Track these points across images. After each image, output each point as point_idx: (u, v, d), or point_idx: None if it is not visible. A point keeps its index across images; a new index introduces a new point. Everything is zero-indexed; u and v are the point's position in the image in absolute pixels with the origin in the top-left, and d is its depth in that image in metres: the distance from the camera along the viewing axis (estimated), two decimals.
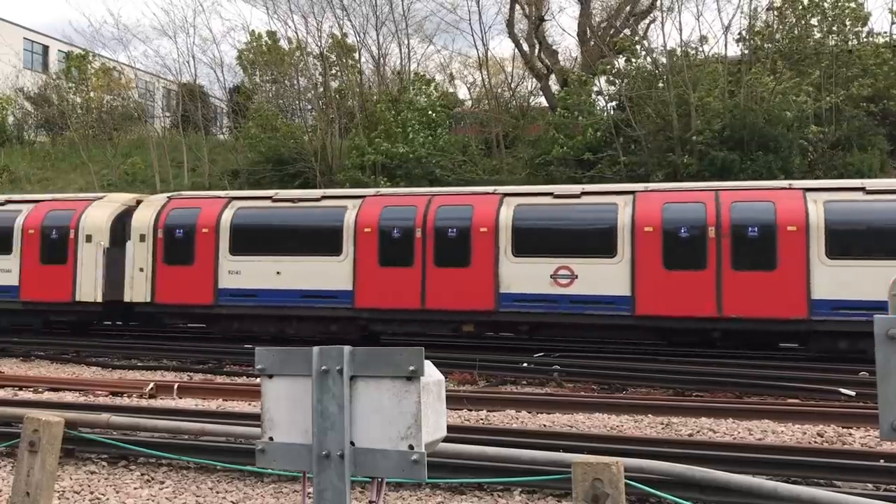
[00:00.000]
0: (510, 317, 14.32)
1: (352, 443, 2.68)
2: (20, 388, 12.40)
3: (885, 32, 25.31)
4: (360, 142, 25.98)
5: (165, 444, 7.71)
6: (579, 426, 9.52)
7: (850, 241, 13.04)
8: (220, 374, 14.30)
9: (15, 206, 17.73)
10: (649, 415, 9.97)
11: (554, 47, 31.17)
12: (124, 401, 11.43)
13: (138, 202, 17.48)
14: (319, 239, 15.34)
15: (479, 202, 14.80)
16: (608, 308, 13.72)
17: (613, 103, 25.92)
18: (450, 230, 14.58)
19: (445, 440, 2.93)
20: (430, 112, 26.39)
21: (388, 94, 28.77)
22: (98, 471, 7.47)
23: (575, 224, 14.38)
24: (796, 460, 6.93)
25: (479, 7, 46.78)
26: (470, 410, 10.32)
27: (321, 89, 30.91)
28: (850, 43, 24.04)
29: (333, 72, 31.41)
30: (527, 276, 14.07)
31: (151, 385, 12.00)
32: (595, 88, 26.39)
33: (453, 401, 10.14)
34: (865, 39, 24.48)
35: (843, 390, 11.10)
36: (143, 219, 16.43)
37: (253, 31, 35.00)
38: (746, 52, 24.57)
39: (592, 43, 28.28)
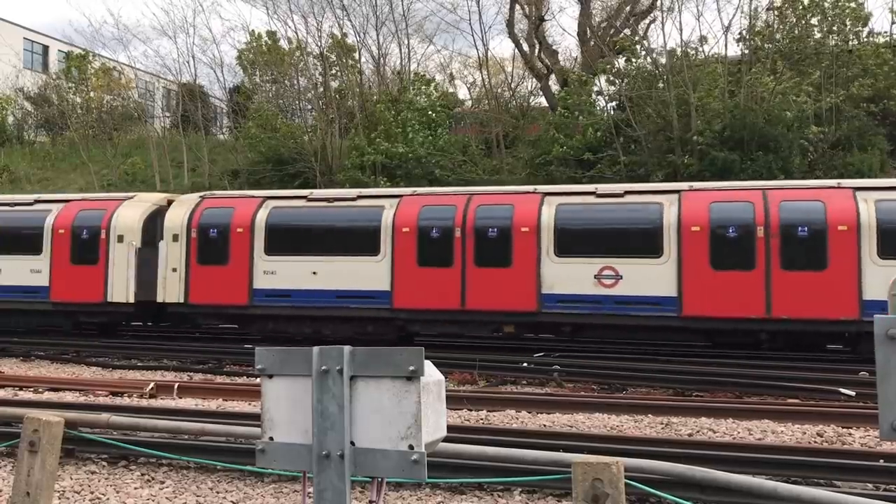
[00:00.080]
0: (553, 318, 14.12)
1: (352, 443, 2.68)
2: (20, 388, 12.40)
3: (886, 32, 25.35)
4: (359, 142, 25.99)
5: (165, 444, 7.71)
6: (579, 426, 9.52)
7: None
8: (220, 374, 14.30)
9: (44, 206, 17.49)
10: (649, 415, 9.97)
11: (554, 47, 31.20)
12: (124, 401, 11.43)
13: (169, 202, 17.28)
14: (356, 239, 15.18)
15: (520, 201, 14.62)
16: (654, 309, 13.52)
17: (613, 103, 25.93)
18: (490, 230, 14.40)
19: (445, 440, 2.93)
20: (430, 112, 26.38)
21: (388, 94, 28.77)
22: (98, 471, 7.47)
23: (619, 223, 14.17)
24: (796, 460, 6.93)
25: (479, 7, 46.84)
26: (470, 410, 10.32)
27: (321, 89, 30.91)
28: (850, 43, 24.04)
29: (333, 72, 31.41)
30: (570, 277, 13.87)
31: (151, 385, 12.00)
32: (595, 88, 26.39)
33: (453, 401, 10.14)
34: (866, 39, 24.48)
35: (843, 390, 11.10)
36: (176, 218, 16.24)
37: (253, 31, 35.07)
38: (746, 52, 24.57)
39: (592, 43, 28.28)
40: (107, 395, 11.87)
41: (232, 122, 34.50)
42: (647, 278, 13.57)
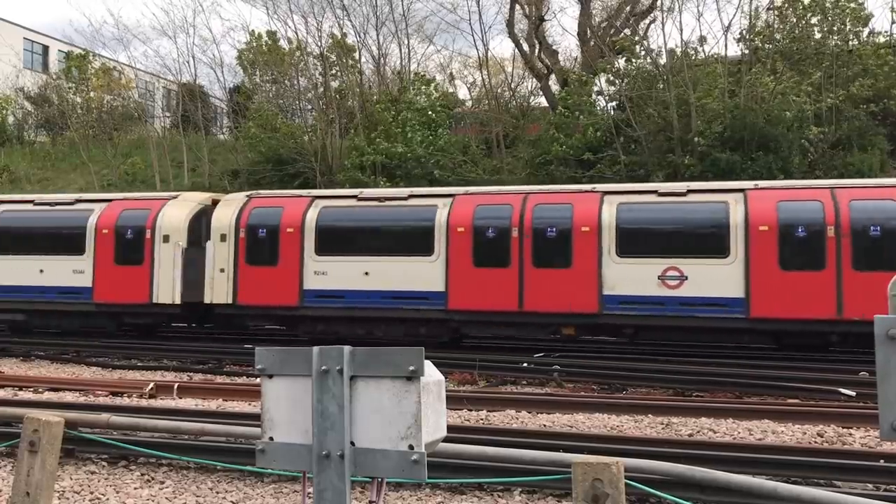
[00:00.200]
0: (614, 319, 13.87)
1: (352, 443, 2.68)
2: (20, 388, 12.41)
3: (886, 32, 25.35)
4: (359, 142, 25.99)
5: (165, 444, 7.71)
6: (579, 426, 9.52)
7: None
8: (220, 374, 14.31)
9: (86, 206, 17.20)
10: (649, 415, 9.97)
11: (554, 47, 31.18)
12: (124, 401, 11.43)
13: (214, 201, 17.06)
14: (409, 239, 14.95)
15: (579, 200, 14.38)
16: (720, 310, 13.25)
17: (613, 103, 25.92)
18: (549, 230, 14.14)
19: (445, 440, 2.93)
20: (429, 112, 26.38)
21: (388, 93, 28.77)
22: (98, 471, 7.48)
23: (683, 223, 13.94)
24: (796, 460, 6.93)
25: (479, 7, 46.78)
26: (470, 410, 10.32)
27: (321, 89, 30.90)
28: (850, 43, 24.03)
29: (333, 72, 31.40)
30: (632, 278, 13.62)
31: (151, 385, 12.00)
32: (595, 88, 26.39)
33: (453, 401, 10.14)
34: (866, 39, 24.48)
35: (843, 390, 11.10)
36: (224, 218, 15.99)
37: (253, 31, 35.04)
38: (746, 52, 24.56)
39: (592, 43, 28.28)
40: (107, 395, 11.87)
41: (232, 122, 34.50)
42: (714, 279, 13.30)
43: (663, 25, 38.20)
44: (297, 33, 31.39)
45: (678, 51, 24.37)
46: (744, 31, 24.96)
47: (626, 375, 12.78)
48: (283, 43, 31.95)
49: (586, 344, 15.59)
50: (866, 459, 7.11)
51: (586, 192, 14.77)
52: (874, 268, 12.67)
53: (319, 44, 30.56)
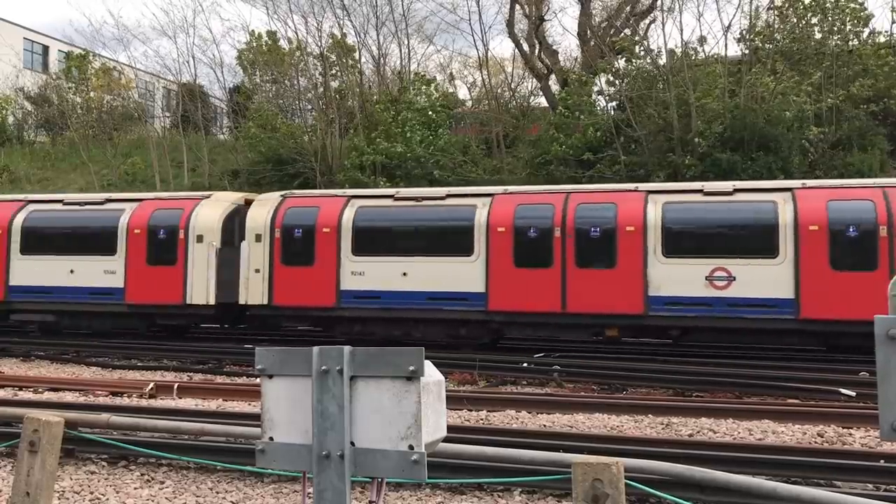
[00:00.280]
0: (660, 321, 13.70)
1: (352, 443, 2.68)
2: (20, 388, 12.41)
3: (886, 32, 25.35)
4: (359, 142, 25.99)
5: (165, 444, 7.71)
6: (579, 426, 9.52)
7: None
8: (220, 374, 14.31)
9: (117, 205, 17.00)
10: (649, 415, 9.97)
11: (554, 47, 31.18)
12: (124, 401, 11.43)
13: (247, 201, 16.89)
14: (448, 239, 14.76)
15: (623, 199, 14.20)
16: (769, 311, 13.06)
17: (614, 103, 25.92)
18: (592, 229, 13.95)
19: (445, 440, 2.93)
20: (429, 112, 26.38)
21: (388, 94, 28.77)
22: (98, 471, 7.48)
23: (731, 223, 13.76)
24: (796, 460, 6.93)
25: (479, 7, 46.74)
26: (470, 410, 10.32)
27: (321, 89, 30.90)
28: (850, 43, 24.03)
29: (333, 72, 31.40)
30: (679, 278, 13.43)
31: (151, 385, 12.00)
32: (595, 88, 26.39)
33: (453, 401, 10.14)
34: (866, 39, 24.48)
35: (843, 390, 11.10)
36: (259, 218, 15.81)
37: (253, 31, 35.06)
38: (746, 52, 24.57)
39: (592, 43, 28.28)
40: (107, 395, 11.88)
41: (232, 122, 34.50)
42: (762, 280, 13.12)
43: (663, 25, 38.22)
44: (297, 33, 31.43)
45: (678, 51, 24.37)
46: (744, 32, 24.98)
47: (626, 375, 12.78)
48: (283, 43, 31.97)
49: (586, 344, 15.57)
50: (866, 459, 7.11)
51: (629, 191, 14.56)
52: None
53: (319, 44, 30.59)
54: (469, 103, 33.84)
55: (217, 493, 6.81)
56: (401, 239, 15.14)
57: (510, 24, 29.25)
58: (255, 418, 8.10)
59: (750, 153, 20.69)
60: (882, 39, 24.77)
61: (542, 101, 30.76)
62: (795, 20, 24.44)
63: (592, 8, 29.50)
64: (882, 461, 6.99)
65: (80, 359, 15.76)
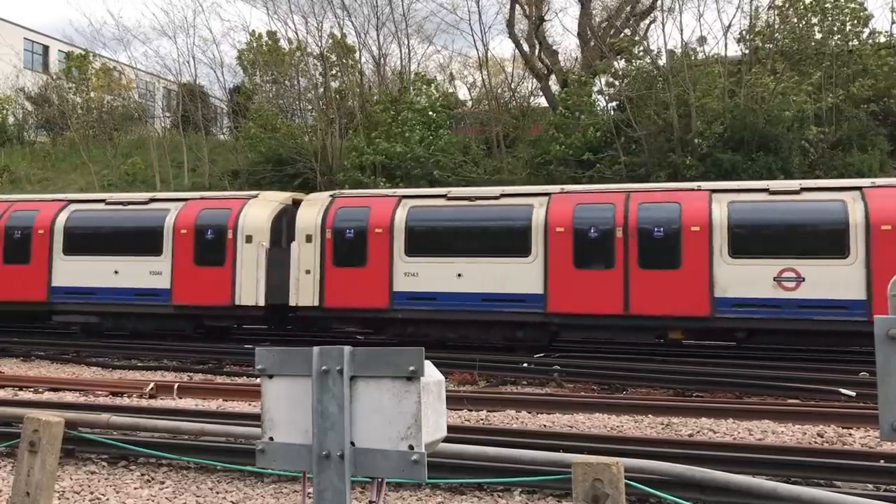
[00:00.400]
0: (727, 323, 13.37)
1: (352, 443, 2.68)
2: (20, 388, 12.41)
3: (886, 32, 25.35)
4: (358, 142, 26.00)
5: (165, 444, 7.72)
6: (579, 426, 9.52)
7: None
8: (220, 374, 14.31)
9: (162, 205, 16.79)
10: (649, 415, 9.97)
11: (554, 47, 31.18)
12: (124, 401, 11.44)
13: (294, 201, 16.73)
14: (505, 239, 14.50)
15: (687, 199, 13.87)
16: (840, 313, 12.74)
17: (614, 103, 25.93)
18: (656, 229, 13.65)
19: (445, 440, 2.93)
20: (430, 112, 26.38)
21: (388, 94, 28.77)
22: (98, 471, 7.48)
23: (800, 223, 13.43)
24: (796, 460, 6.93)
25: (478, 7, 46.77)
26: (470, 410, 10.33)
27: (321, 90, 30.90)
28: (850, 43, 24.03)
29: (334, 72, 31.41)
30: (746, 279, 13.13)
31: (151, 385, 12.00)
32: (595, 88, 26.39)
33: (453, 401, 10.14)
34: (866, 39, 24.48)
35: (843, 390, 11.11)
36: (309, 218, 15.54)
37: (253, 31, 35.05)
38: (746, 52, 24.57)
39: (593, 43, 28.28)
40: (107, 396, 11.88)
41: (232, 122, 34.50)
42: (833, 281, 12.85)
43: (663, 26, 38.20)
44: (297, 33, 31.43)
45: (678, 51, 24.37)
46: (744, 32, 24.98)
47: (626, 375, 12.78)
48: (283, 43, 31.98)
49: (586, 344, 15.58)
50: (866, 459, 7.11)
51: (692, 190, 14.29)
52: None
53: (319, 44, 30.59)
54: (469, 103, 33.84)
55: (217, 493, 6.81)
56: (455, 239, 14.87)
57: (510, 24, 29.25)
58: (255, 418, 8.10)
59: (750, 153, 20.69)
60: (882, 39, 24.77)
61: (543, 102, 30.76)
62: (796, 20, 24.45)
63: (592, 8, 29.51)
64: (882, 461, 6.99)
65: (80, 359, 15.76)
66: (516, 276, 14.20)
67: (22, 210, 17.46)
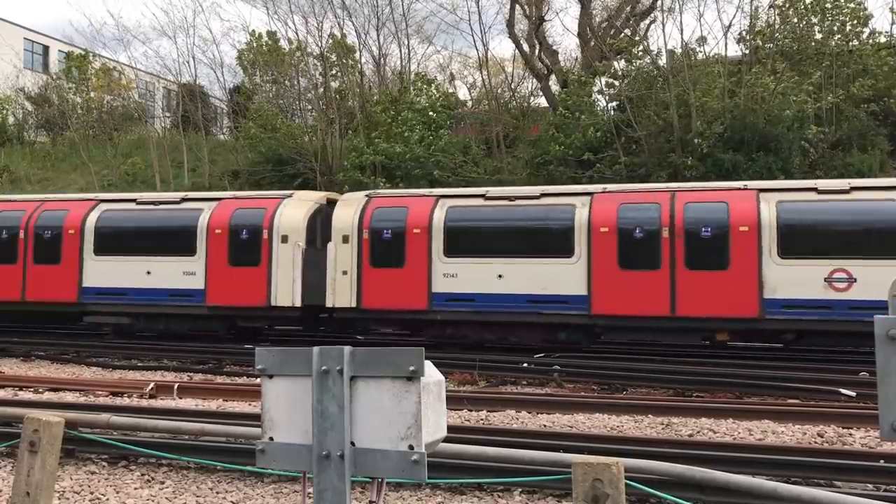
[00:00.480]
0: (776, 324, 13.15)
1: (352, 443, 2.68)
2: (20, 388, 12.41)
3: (886, 32, 25.35)
4: (358, 143, 26.00)
5: (166, 444, 7.72)
6: (579, 426, 9.52)
7: None
8: (220, 374, 14.31)
9: (195, 205, 16.57)
10: (649, 415, 9.97)
11: (554, 47, 31.18)
12: (124, 401, 11.44)
13: (329, 200, 16.55)
14: (546, 239, 14.25)
15: (734, 198, 13.68)
16: None
17: (614, 103, 25.93)
18: (703, 229, 13.45)
19: (445, 440, 2.93)
20: (430, 112, 26.38)
21: (388, 94, 28.78)
22: (98, 471, 7.48)
23: (851, 223, 13.22)
24: (796, 460, 6.93)
25: (478, 7, 46.76)
26: (470, 411, 10.33)
27: (321, 90, 30.91)
28: (850, 43, 24.04)
29: (334, 72, 31.42)
30: (796, 280, 12.90)
31: (151, 385, 12.00)
32: (595, 88, 26.39)
33: (453, 401, 10.14)
34: (866, 40, 24.49)
35: (843, 390, 11.10)
36: (346, 219, 15.36)
37: (253, 31, 35.06)
38: (746, 52, 24.57)
39: (593, 43, 28.28)
40: (107, 396, 11.88)
41: (232, 122, 34.51)
42: (885, 282, 12.71)
43: (663, 26, 38.21)
44: (297, 33, 31.44)
45: (678, 51, 24.37)
46: (744, 32, 24.98)
47: (626, 375, 12.78)
48: (283, 43, 31.98)
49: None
50: (866, 459, 7.11)
51: (739, 189, 14.09)
52: None
53: (320, 44, 30.60)
54: (469, 104, 33.85)
55: (217, 493, 6.81)
56: (495, 240, 14.66)
57: (510, 24, 29.25)
58: (255, 418, 8.10)
59: (750, 153, 20.70)
60: (882, 39, 24.78)
61: (543, 102, 30.77)
62: (796, 20, 24.45)
63: (593, 8, 29.51)
64: (882, 461, 6.99)
65: (81, 359, 15.76)
66: (559, 276, 14.00)
67: (52, 210, 17.29)
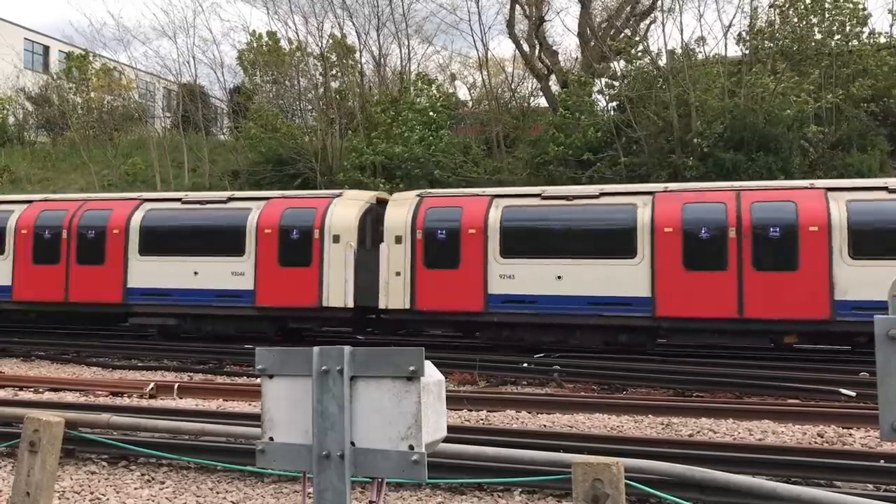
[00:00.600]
0: (847, 326, 12.77)
1: (352, 443, 2.68)
2: (21, 389, 12.41)
3: (886, 32, 25.36)
4: (358, 143, 26.00)
5: (166, 444, 7.71)
6: (579, 426, 9.52)
7: None
8: (220, 374, 14.31)
9: (242, 204, 16.32)
10: (649, 415, 9.97)
11: (554, 48, 31.19)
12: (125, 401, 11.43)
13: (378, 200, 16.38)
14: (607, 240, 14.02)
15: (802, 198, 13.34)
16: None
17: (614, 104, 25.94)
18: (772, 229, 13.14)
19: (445, 440, 2.93)
20: (430, 112, 26.39)
21: (388, 94, 28.78)
22: (98, 471, 7.48)
23: None
24: (796, 460, 6.93)
25: (478, 7, 46.85)
26: (470, 411, 10.33)
27: (322, 90, 30.92)
28: (850, 43, 24.04)
29: (334, 72, 31.42)
30: (868, 281, 12.47)
31: (152, 385, 12.00)
32: (595, 88, 26.41)
33: (453, 401, 10.14)
34: (866, 40, 24.49)
35: (843, 390, 11.11)
36: (398, 219, 15.09)
37: (253, 31, 35.06)
38: (746, 52, 24.58)
39: (593, 43, 28.28)
40: (107, 396, 11.88)
41: (232, 122, 34.52)
42: None
43: (663, 26, 38.20)
44: (297, 34, 31.47)
45: (678, 51, 24.37)
46: (744, 32, 24.99)
47: (626, 375, 12.78)
48: (283, 43, 31.99)
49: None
50: (866, 459, 7.11)
51: (806, 188, 13.77)
52: None
53: (320, 44, 30.61)
54: (469, 104, 33.86)
55: (217, 493, 6.81)
56: (553, 240, 14.30)
57: (510, 24, 29.25)
58: (255, 418, 8.10)
59: (750, 153, 20.70)
60: (882, 39, 24.78)
61: (543, 102, 30.78)
62: (796, 20, 24.45)
63: (593, 8, 29.51)
64: (882, 461, 6.99)
65: (81, 359, 15.76)
66: (621, 278, 13.72)
67: (95, 209, 17.07)
